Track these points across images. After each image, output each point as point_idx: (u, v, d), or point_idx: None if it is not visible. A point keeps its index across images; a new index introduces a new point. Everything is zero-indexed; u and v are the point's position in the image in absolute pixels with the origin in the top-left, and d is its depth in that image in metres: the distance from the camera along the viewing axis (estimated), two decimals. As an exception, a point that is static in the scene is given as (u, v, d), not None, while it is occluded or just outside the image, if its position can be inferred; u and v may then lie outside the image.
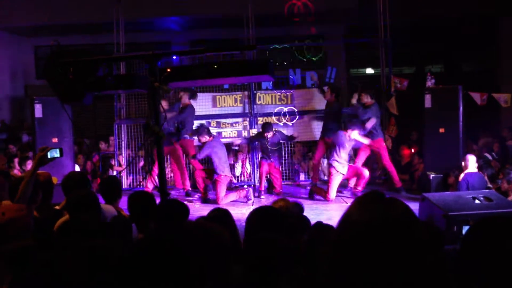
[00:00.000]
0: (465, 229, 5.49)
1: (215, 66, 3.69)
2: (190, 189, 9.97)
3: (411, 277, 1.29)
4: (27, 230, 3.02)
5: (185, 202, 3.80)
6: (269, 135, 9.47)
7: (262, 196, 9.50)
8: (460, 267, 1.60)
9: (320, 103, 10.74)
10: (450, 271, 1.53)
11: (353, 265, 1.32)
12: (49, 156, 3.79)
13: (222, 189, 9.00)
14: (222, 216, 3.76)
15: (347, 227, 1.39)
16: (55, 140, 8.95)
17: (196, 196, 9.57)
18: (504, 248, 1.49)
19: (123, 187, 10.76)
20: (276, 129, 9.85)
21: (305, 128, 10.92)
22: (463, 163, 8.03)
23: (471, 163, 7.84)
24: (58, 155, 3.87)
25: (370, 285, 1.29)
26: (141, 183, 10.28)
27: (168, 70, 3.95)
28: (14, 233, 2.97)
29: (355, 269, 1.32)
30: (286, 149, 10.87)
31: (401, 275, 1.29)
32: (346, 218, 1.41)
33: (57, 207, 4.11)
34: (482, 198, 6.06)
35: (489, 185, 7.66)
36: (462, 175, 7.81)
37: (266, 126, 9.52)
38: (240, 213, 7.45)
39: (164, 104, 9.42)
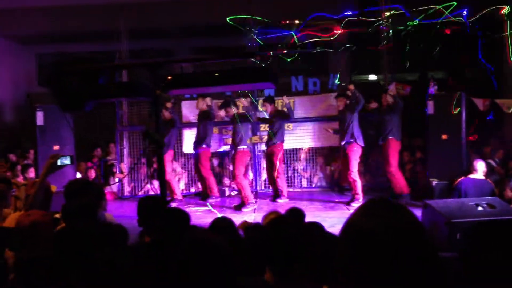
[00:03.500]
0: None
1: (216, 74, 3.68)
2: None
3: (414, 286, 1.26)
4: (52, 236, 2.90)
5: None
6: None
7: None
8: (460, 275, 1.58)
9: (323, 109, 10.71)
10: (450, 279, 1.50)
11: (355, 274, 1.29)
12: (59, 163, 3.82)
13: None
14: (225, 226, 3.75)
15: (350, 234, 1.35)
16: (56, 147, 8.92)
17: None
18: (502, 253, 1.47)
19: (124, 195, 10.75)
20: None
21: (308, 135, 10.90)
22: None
23: (479, 169, 7.41)
24: (68, 162, 3.92)
25: None
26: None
27: (169, 77, 3.93)
28: (42, 237, 2.87)
29: (358, 278, 1.29)
30: (289, 156, 10.86)
31: (404, 284, 1.26)
32: (349, 225, 1.36)
33: (56, 216, 4.09)
34: (485, 205, 6.02)
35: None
36: (459, 179, 7.50)
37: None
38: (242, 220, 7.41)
39: (166, 113, 9.41)
